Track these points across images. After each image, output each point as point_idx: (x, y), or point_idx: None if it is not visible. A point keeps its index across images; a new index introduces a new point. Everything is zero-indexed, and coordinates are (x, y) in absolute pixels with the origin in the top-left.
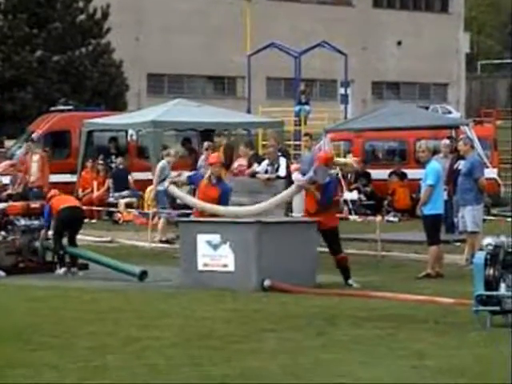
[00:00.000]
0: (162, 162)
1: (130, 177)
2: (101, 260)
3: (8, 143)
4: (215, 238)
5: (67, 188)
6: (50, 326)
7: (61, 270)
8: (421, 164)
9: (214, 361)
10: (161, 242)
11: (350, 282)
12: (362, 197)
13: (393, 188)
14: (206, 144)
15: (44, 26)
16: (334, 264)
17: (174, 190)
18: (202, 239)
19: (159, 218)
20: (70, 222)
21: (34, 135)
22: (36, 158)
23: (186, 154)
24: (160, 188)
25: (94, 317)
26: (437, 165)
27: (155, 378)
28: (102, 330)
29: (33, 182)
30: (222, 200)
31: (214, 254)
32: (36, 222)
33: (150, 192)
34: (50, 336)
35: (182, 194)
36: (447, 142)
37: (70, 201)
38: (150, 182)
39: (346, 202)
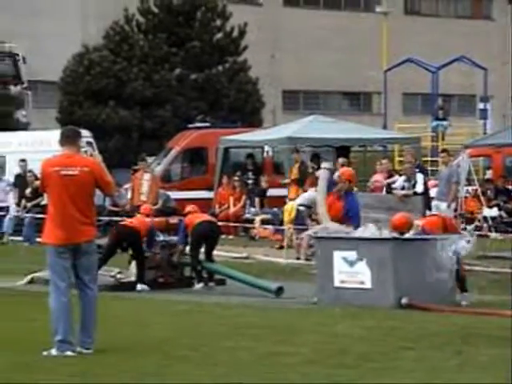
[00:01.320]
0: (313, 194)
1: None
2: (237, 276)
3: (148, 160)
4: (351, 254)
5: (204, 204)
6: (188, 341)
7: (199, 285)
8: None
9: (350, 378)
10: (306, 259)
11: (464, 295)
12: (503, 214)
13: None
14: (341, 160)
15: (182, 45)
16: (476, 282)
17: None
18: (338, 256)
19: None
20: (206, 236)
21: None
22: (147, 176)
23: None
24: (301, 208)
25: (232, 332)
26: None
27: None
28: (240, 345)
29: (144, 201)
30: (351, 216)
31: (351, 271)
32: (175, 238)
33: (291, 209)
34: (188, 350)
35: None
36: None
37: (204, 216)
38: (285, 198)
39: (485, 218)
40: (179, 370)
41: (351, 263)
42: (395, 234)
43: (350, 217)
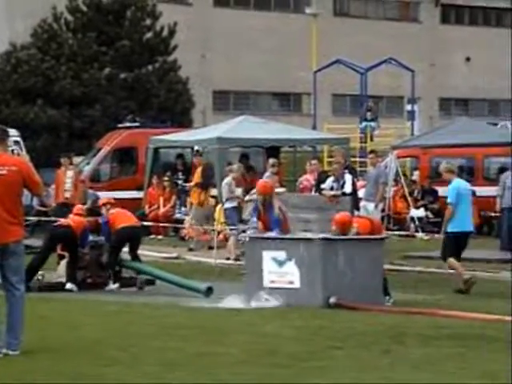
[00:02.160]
0: (227, 179)
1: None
2: (165, 276)
3: (76, 160)
4: (281, 254)
5: (134, 204)
6: (118, 341)
7: (113, 286)
8: (489, 181)
9: (282, 378)
10: (235, 260)
11: (387, 298)
12: (429, 214)
13: None
14: (271, 161)
15: (112, 44)
16: (403, 282)
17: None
18: (267, 256)
19: (228, 237)
20: (129, 240)
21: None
22: (70, 174)
23: (243, 171)
24: (228, 205)
25: (161, 332)
26: (457, 184)
27: None
28: (169, 346)
29: (67, 198)
30: (271, 228)
31: (280, 271)
32: (103, 238)
33: (219, 210)
34: (117, 351)
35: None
36: None
37: (128, 219)
38: (215, 198)
39: (412, 219)
40: (110, 372)
41: (280, 263)
42: (337, 231)
43: (270, 229)
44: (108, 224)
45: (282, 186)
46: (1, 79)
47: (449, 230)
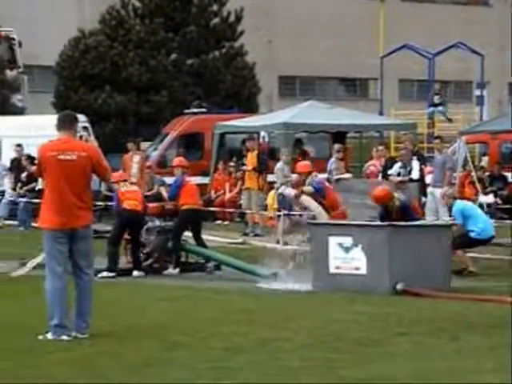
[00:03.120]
0: (279, 165)
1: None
2: (231, 262)
3: (144, 145)
4: (347, 240)
5: (200, 190)
6: (183, 326)
7: (174, 271)
8: None
9: (347, 363)
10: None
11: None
12: (498, 200)
13: None
14: (336, 146)
15: (179, 30)
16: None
17: (304, 199)
18: (333, 242)
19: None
20: (190, 223)
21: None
22: (137, 159)
23: (294, 156)
24: (281, 191)
25: (227, 317)
26: (458, 206)
27: (288, 379)
28: (235, 331)
29: (133, 183)
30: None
31: (346, 257)
32: (170, 223)
33: (272, 195)
34: (183, 335)
35: (310, 204)
36: None
37: (193, 199)
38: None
39: (481, 205)
40: (177, 357)
41: (346, 249)
42: (380, 207)
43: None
44: (179, 187)
45: (348, 171)
46: (69, 66)
47: (472, 236)
